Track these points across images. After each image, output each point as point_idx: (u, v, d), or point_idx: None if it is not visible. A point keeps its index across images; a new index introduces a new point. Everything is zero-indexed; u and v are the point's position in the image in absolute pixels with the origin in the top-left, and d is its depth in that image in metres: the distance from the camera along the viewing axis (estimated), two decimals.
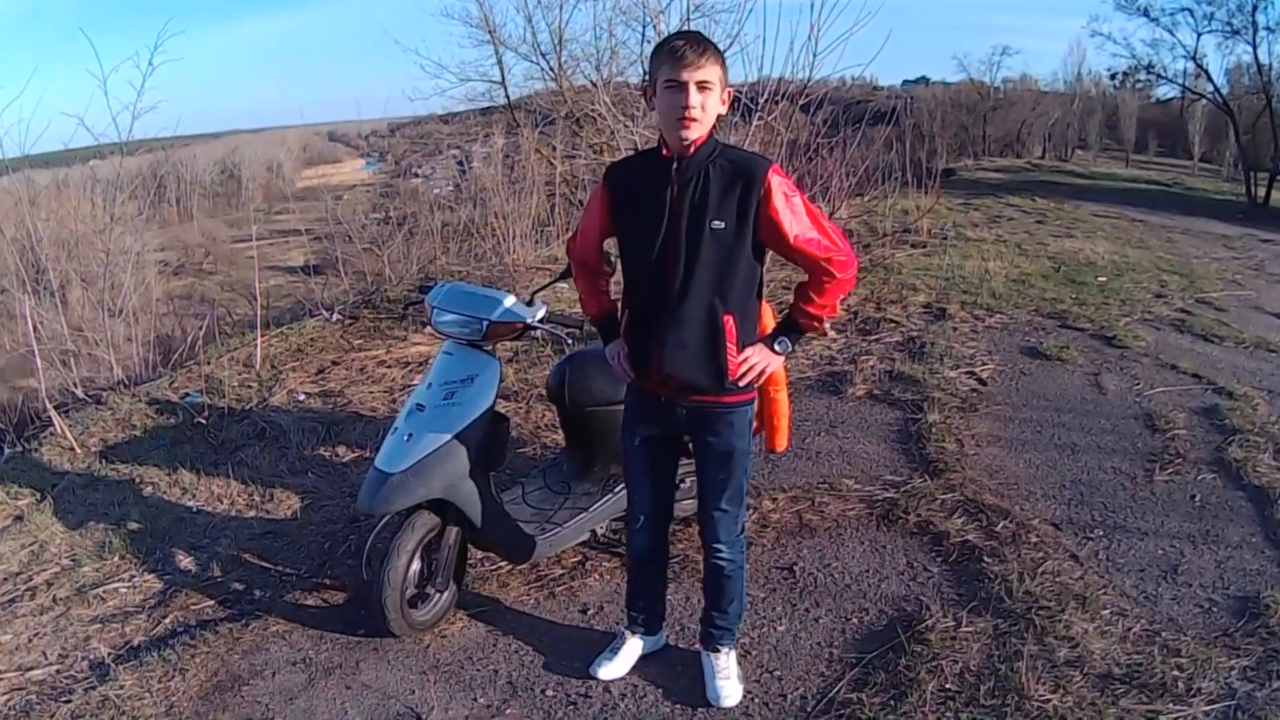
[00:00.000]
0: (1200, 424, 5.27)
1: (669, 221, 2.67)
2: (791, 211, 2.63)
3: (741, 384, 2.78)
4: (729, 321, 2.70)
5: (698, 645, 3.23)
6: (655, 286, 2.73)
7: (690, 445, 3.04)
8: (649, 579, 3.24)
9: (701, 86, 2.56)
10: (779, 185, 2.62)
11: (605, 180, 2.86)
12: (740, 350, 2.74)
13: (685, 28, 7.95)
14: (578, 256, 3.08)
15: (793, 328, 2.83)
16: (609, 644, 3.30)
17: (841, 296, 2.82)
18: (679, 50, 2.55)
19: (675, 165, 2.66)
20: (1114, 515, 4.27)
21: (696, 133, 2.60)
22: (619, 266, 2.92)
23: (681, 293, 2.68)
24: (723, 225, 2.63)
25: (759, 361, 2.77)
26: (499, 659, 3.36)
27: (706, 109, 2.58)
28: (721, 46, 7.58)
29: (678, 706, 3.08)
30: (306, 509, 4.54)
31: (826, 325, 6.80)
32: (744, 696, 3.10)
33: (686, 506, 3.80)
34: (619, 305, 2.98)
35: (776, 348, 2.80)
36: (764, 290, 2.88)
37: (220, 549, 4.20)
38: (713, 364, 2.73)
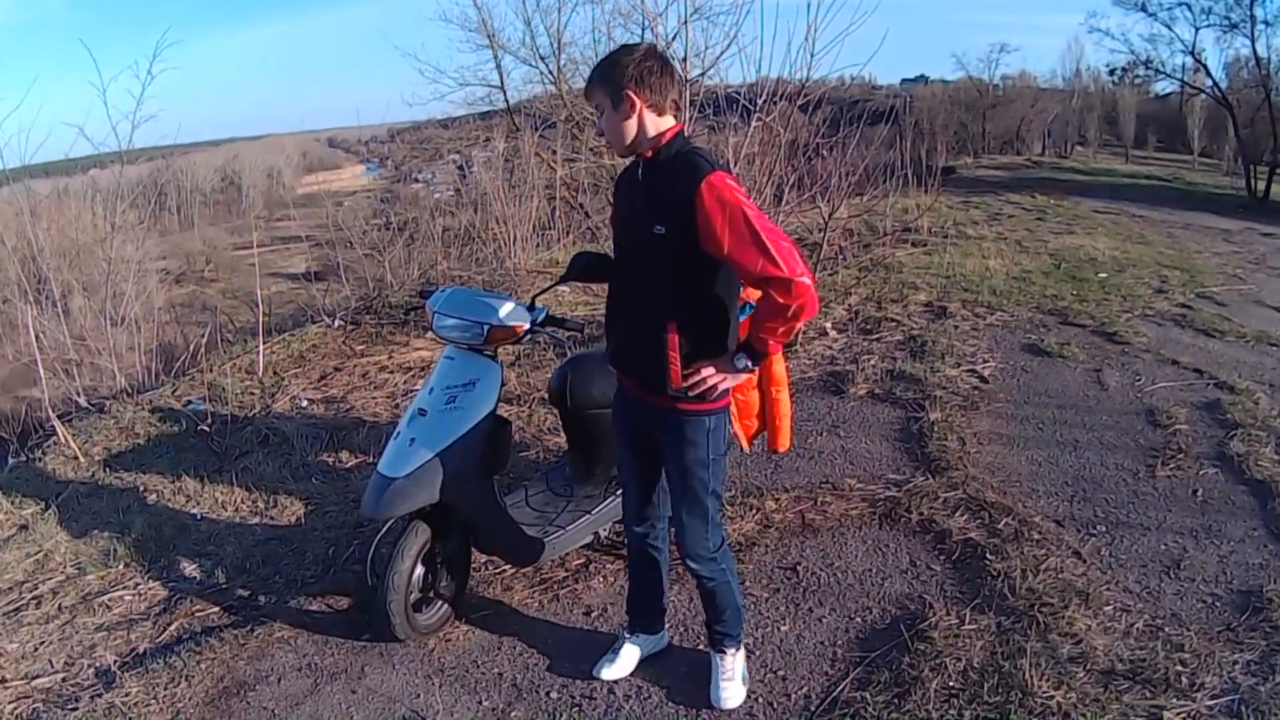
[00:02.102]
0: (1202, 419, 5.27)
1: (625, 223, 2.81)
2: (728, 223, 2.50)
3: (691, 394, 2.71)
4: (672, 328, 2.65)
5: (703, 645, 3.25)
6: (616, 285, 2.87)
7: None
8: (644, 578, 3.24)
9: (596, 109, 2.72)
10: (712, 193, 2.50)
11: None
12: (688, 358, 2.68)
13: (682, 30, 7.95)
14: None
15: (749, 347, 2.70)
16: (612, 645, 3.31)
17: (790, 325, 2.62)
18: None
19: (640, 169, 2.73)
20: (1116, 511, 4.27)
21: (618, 148, 2.75)
22: None
23: (630, 295, 2.77)
24: (663, 231, 2.59)
25: (712, 375, 2.68)
26: (503, 662, 3.37)
27: (605, 128, 2.71)
28: (719, 48, 7.55)
29: (682, 708, 3.09)
30: (310, 515, 4.55)
31: (830, 332, 6.82)
32: (748, 696, 3.11)
33: None
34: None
35: (736, 364, 2.69)
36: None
37: (225, 556, 4.21)
38: (654, 368, 2.70)
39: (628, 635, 3.30)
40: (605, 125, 2.69)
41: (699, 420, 2.78)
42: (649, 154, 2.67)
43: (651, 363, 2.70)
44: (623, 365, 2.90)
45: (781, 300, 2.53)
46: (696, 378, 2.67)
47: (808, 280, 2.52)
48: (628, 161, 2.86)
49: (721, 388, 2.72)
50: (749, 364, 2.70)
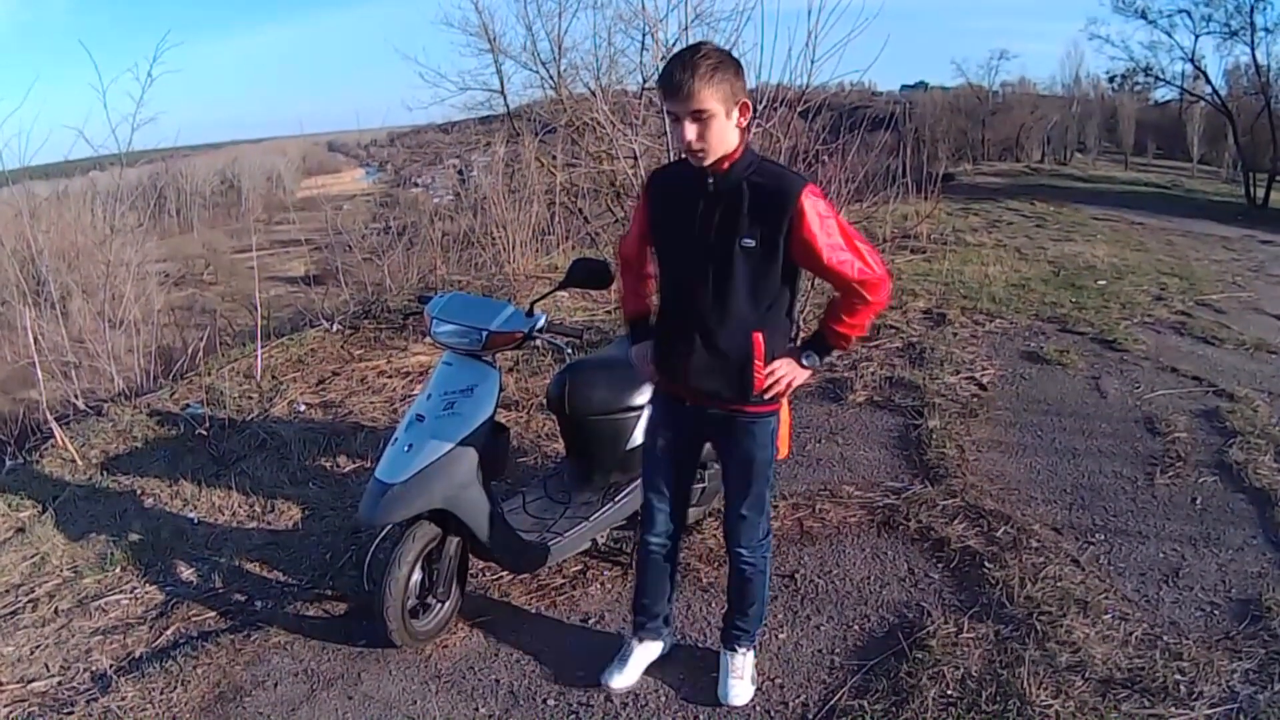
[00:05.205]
0: (1201, 427, 5.28)
1: (700, 236, 2.66)
2: (825, 233, 2.58)
3: (766, 397, 2.78)
4: (758, 339, 2.69)
5: (710, 646, 3.30)
6: (686, 300, 2.74)
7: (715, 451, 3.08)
8: (658, 584, 3.23)
9: (697, 117, 2.50)
10: (812, 206, 2.56)
11: (647, 188, 2.92)
12: (767, 365, 2.73)
13: (684, 36, 7.93)
14: (624, 255, 3.10)
15: (821, 344, 2.81)
16: (616, 652, 3.30)
17: (873, 317, 2.80)
18: (671, 81, 2.51)
19: (710, 180, 2.63)
20: (1115, 519, 4.27)
21: (710, 159, 2.57)
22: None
23: (711, 309, 2.69)
24: (753, 244, 2.60)
25: (785, 375, 2.75)
26: (500, 669, 3.36)
27: (709, 138, 2.53)
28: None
29: (679, 715, 3.08)
30: (307, 520, 4.54)
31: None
32: (746, 704, 3.11)
33: (692, 513, 3.85)
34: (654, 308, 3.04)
35: (804, 362, 2.78)
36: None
37: (222, 560, 4.20)
38: (739, 379, 2.73)
39: (635, 641, 3.29)
40: (708, 133, 2.53)
41: (767, 422, 2.86)
42: (725, 166, 2.61)
43: (736, 373, 2.74)
44: (698, 380, 2.80)
45: (873, 298, 2.69)
46: (772, 379, 2.74)
47: (888, 276, 2.72)
48: (665, 166, 2.89)
49: (794, 386, 2.82)
50: (817, 360, 2.81)
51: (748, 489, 2.93)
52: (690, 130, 2.51)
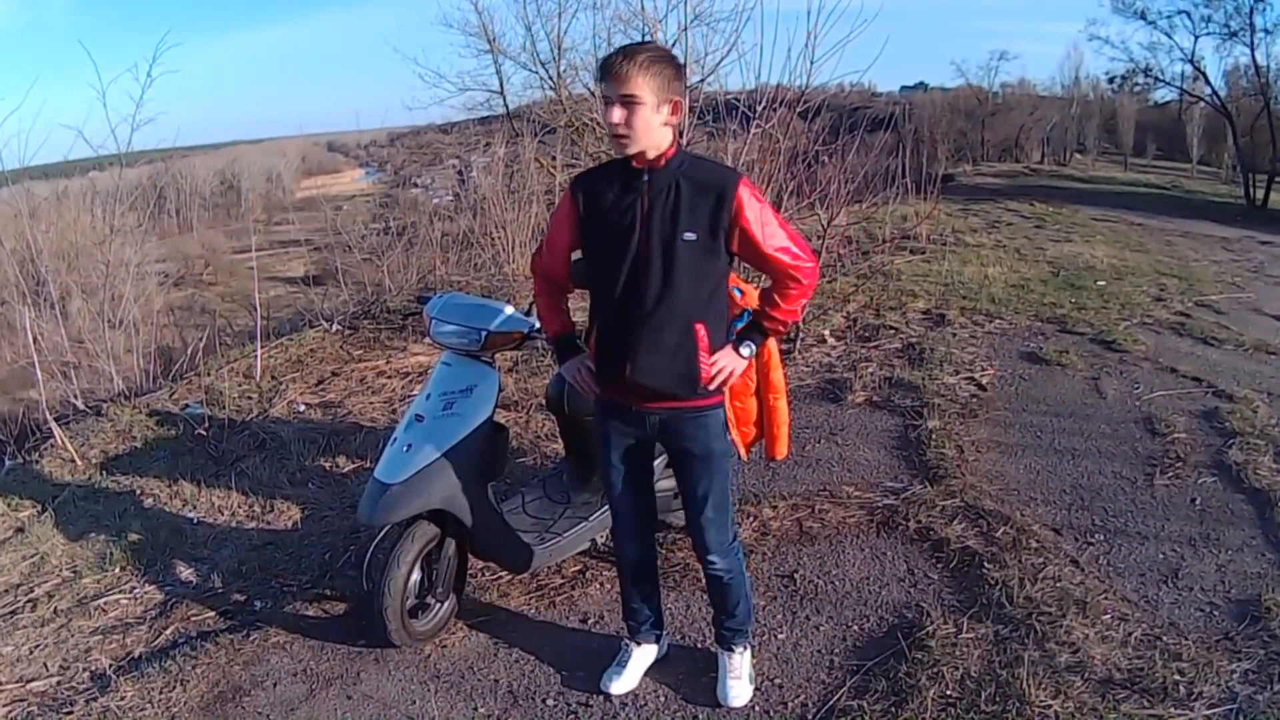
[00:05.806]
0: (1200, 427, 5.27)
1: (640, 233, 2.67)
2: (762, 223, 2.66)
3: (711, 388, 2.79)
4: (701, 330, 2.71)
5: (709, 647, 3.29)
6: (627, 298, 2.72)
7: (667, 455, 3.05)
8: (643, 588, 3.23)
9: (626, 101, 2.54)
10: (749, 197, 2.64)
11: (571, 191, 2.85)
12: (711, 356, 2.75)
13: (683, 37, 7.94)
14: (544, 271, 3.06)
15: (758, 331, 2.87)
16: (614, 656, 3.29)
17: (805, 302, 2.88)
18: (606, 64, 2.59)
19: (646, 177, 2.66)
20: (1114, 520, 4.27)
21: (632, 148, 2.60)
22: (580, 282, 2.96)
23: (655, 304, 2.68)
24: (694, 237, 2.63)
25: (727, 365, 2.78)
26: (499, 669, 3.36)
27: (634, 125, 2.56)
28: (719, 54, 7.53)
29: (678, 715, 3.08)
30: (307, 520, 4.54)
31: (829, 339, 6.83)
32: (746, 704, 3.10)
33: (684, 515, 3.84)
34: (577, 322, 3.04)
35: (742, 351, 2.83)
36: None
37: (221, 560, 4.20)
38: (685, 371, 2.74)
39: (632, 645, 3.27)
40: (634, 119, 2.56)
41: (716, 414, 2.88)
42: (661, 163, 2.65)
43: (683, 367, 2.74)
44: (645, 378, 2.76)
45: (807, 281, 2.78)
46: (716, 369, 2.76)
47: (817, 261, 2.86)
48: (589, 170, 2.90)
49: (737, 376, 2.85)
50: (753, 348, 2.87)
51: (710, 488, 2.91)
52: (617, 114, 2.56)
